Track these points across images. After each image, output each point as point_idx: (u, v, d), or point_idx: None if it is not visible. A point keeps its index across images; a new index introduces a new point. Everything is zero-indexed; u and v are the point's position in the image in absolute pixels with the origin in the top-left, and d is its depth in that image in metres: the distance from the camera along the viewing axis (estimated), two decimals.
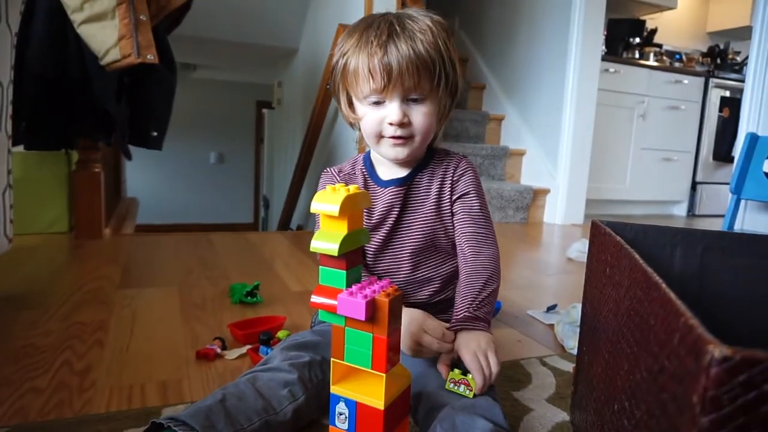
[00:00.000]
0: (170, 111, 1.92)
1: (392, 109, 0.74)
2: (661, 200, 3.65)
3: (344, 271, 0.57)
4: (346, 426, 0.59)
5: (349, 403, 0.59)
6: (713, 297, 0.68)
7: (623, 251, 0.53)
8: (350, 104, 0.79)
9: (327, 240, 0.56)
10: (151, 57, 1.65)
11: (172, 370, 0.88)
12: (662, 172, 3.55)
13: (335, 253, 0.55)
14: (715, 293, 0.68)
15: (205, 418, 0.59)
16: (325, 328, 0.81)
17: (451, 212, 0.82)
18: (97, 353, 0.94)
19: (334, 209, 0.55)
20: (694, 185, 3.69)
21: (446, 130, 3.25)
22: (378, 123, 0.75)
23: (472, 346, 0.70)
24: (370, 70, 0.71)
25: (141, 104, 1.89)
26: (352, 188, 0.57)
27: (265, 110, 5.96)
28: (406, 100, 0.74)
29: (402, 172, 0.82)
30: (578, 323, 1.07)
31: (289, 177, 3.54)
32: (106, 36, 1.61)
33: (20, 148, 1.79)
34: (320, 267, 0.58)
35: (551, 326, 1.17)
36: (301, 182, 3.34)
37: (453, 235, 0.83)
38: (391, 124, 0.74)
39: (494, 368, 0.69)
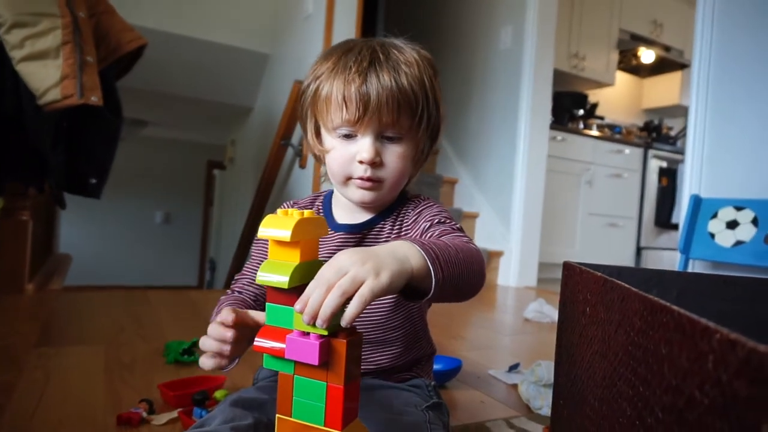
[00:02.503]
0: (112, 158, 1.81)
1: (364, 145, 0.65)
2: (609, 264, 3.73)
3: None
4: None
5: None
6: None
7: (608, 284, 0.48)
8: (317, 134, 0.71)
9: (275, 271, 0.49)
10: (95, 99, 1.57)
11: None
12: (609, 237, 3.65)
13: (285, 286, 0.48)
14: None
15: None
16: (273, 384, 0.70)
17: None
18: None
19: (285, 234, 0.48)
20: (638, 250, 3.81)
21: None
22: (347, 160, 0.66)
23: (339, 258, 0.48)
24: (345, 98, 0.63)
25: (80, 150, 1.77)
26: (307, 212, 0.51)
27: (216, 171, 5.85)
28: (381, 137, 0.66)
29: (361, 218, 0.73)
30: (543, 382, 1.01)
31: (238, 238, 3.41)
32: (47, 75, 1.52)
33: None
34: (267, 304, 0.50)
35: (514, 386, 1.10)
36: (250, 238, 3.21)
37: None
38: (361, 162, 0.66)
39: (331, 299, 0.45)
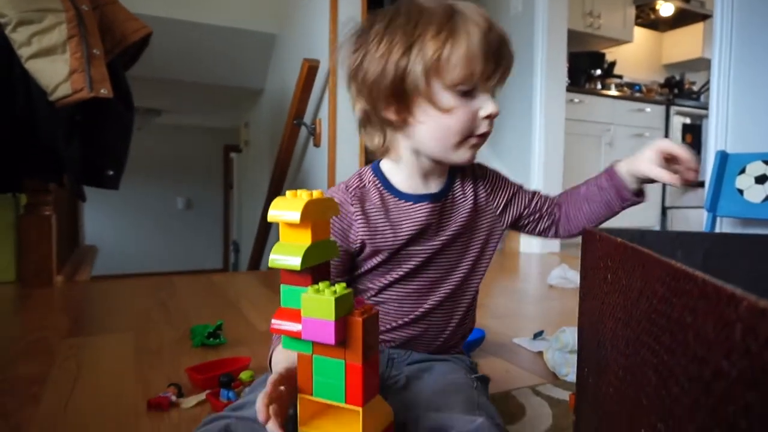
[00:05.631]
0: (127, 149, 1.82)
1: (487, 100, 0.64)
2: (633, 226, 3.67)
3: (309, 289, 0.49)
4: None
5: None
6: None
7: (629, 251, 0.46)
8: (403, 103, 0.64)
9: (287, 253, 0.48)
10: (105, 91, 1.57)
11: (116, 426, 0.76)
12: None
13: (297, 267, 0.47)
14: None
15: None
16: None
17: (503, 223, 0.76)
18: (30, 411, 0.81)
19: (295, 216, 0.47)
20: (664, 210, 3.73)
21: None
22: (470, 117, 0.64)
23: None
24: (474, 53, 0.61)
25: (96, 143, 1.79)
26: (315, 193, 0.50)
27: (233, 154, 5.88)
28: None
29: (435, 185, 0.71)
30: (569, 348, 1.00)
31: (258, 219, 3.43)
32: (56, 70, 1.53)
33: None
34: (281, 286, 0.50)
35: (540, 354, 1.09)
36: (270, 223, 3.24)
37: (486, 255, 0.75)
38: (488, 117, 0.64)
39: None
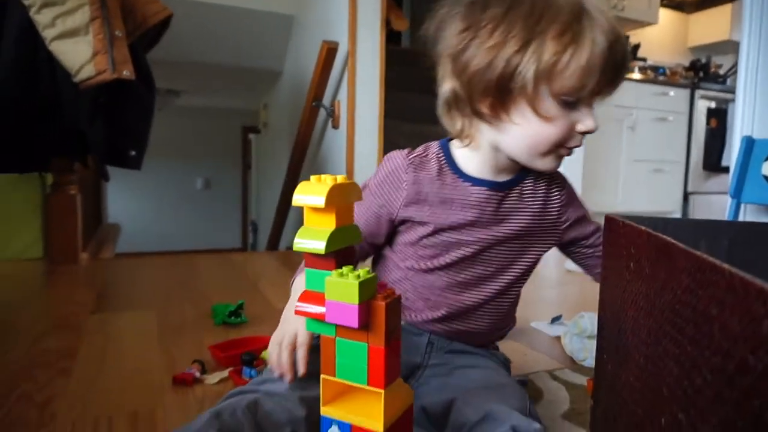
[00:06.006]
0: (149, 129, 1.85)
1: (589, 115, 0.61)
2: (654, 211, 3.62)
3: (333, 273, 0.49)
4: None
5: (342, 426, 0.51)
6: None
7: (653, 239, 0.46)
8: (502, 100, 0.61)
9: (312, 237, 0.49)
10: (127, 73, 1.59)
11: (144, 399, 0.79)
12: (654, 184, 3.52)
13: (322, 252, 0.48)
14: None
15: None
16: None
17: (560, 238, 0.74)
18: (61, 383, 0.84)
19: (320, 201, 0.48)
20: (685, 195, 3.67)
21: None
22: (567, 129, 0.62)
23: None
24: (592, 64, 0.57)
25: (118, 124, 1.81)
26: (339, 178, 0.50)
27: (251, 135, 5.91)
28: None
29: (503, 176, 0.69)
30: (587, 333, 1.00)
31: (276, 200, 3.46)
32: (80, 52, 1.55)
33: None
34: (305, 269, 0.51)
35: (558, 339, 1.09)
36: (288, 204, 3.26)
37: (536, 261, 0.74)
38: (585, 132, 0.62)
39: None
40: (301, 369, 0.58)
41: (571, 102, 0.60)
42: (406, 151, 0.69)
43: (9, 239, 1.83)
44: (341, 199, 0.50)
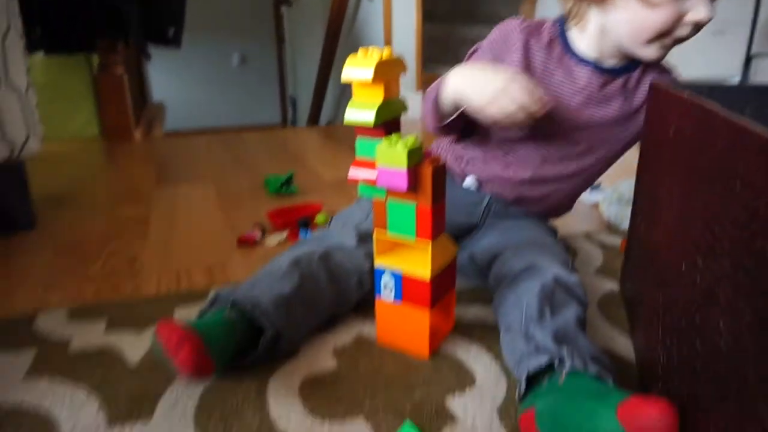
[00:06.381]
0: (184, 6, 1.82)
1: (703, 3, 0.59)
2: (712, 77, 3.40)
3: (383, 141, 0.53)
4: (392, 297, 0.59)
5: (394, 275, 0.58)
6: None
7: (695, 106, 0.48)
8: None
9: (362, 109, 0.52)
10: None
11: (215, 255, 0.89)
12: (714, 46, 3.26)
13: (371, 125, 0.52)
14: None
15: (287, 313, 0.57)
16: None
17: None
18: (142, 244, 0.95)
19: (368, 74, 0.50)
20: (748, 59, 3.41)
21: (473, 12, 3.03)
22: (674, 19, 0.61)
23: None
24: None
25: (154, 2, 1.79)
26: (386, 53, 0.52)
27: (283, 8, 5.65)
28: None
29: (611, 62, 0.69)
30: (625, 199, 1.03)
31: (314, 75, 3.42)
32: None
33: (41, 56, 1.76)
34: (357, 138, 0.55)
35: (596, 206, 1.13)
36: (327, 76, 3.22)
37: (623, 151, 0.75)
38: (698, 23, 0.61)
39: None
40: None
41: None
42: (522, 18, 0.71)
43: (66, 119, 1.92)
44: (388, 72, 0.52)
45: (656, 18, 0.61)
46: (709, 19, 0.60)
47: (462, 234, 0.77)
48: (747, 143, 0.33)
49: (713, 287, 0.35)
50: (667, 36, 0.63)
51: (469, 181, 0.75)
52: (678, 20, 0.61)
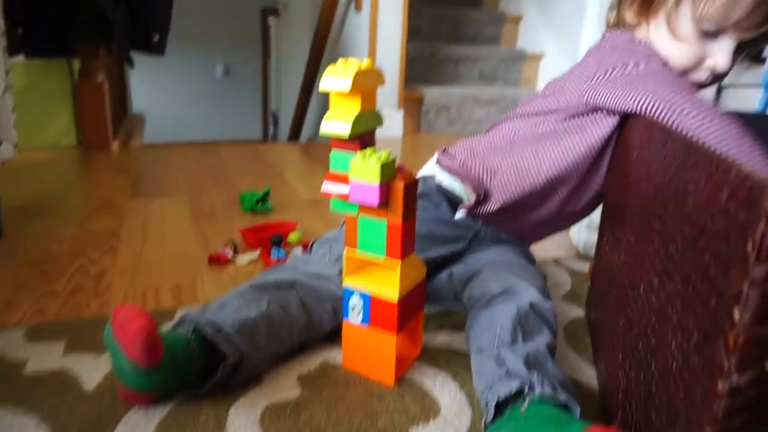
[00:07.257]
0: (170, 13, 1.82)
1: (725, 53, 0.60)
2: None
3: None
4: (359, 319, 0.59)
5: (362, 296, 0.58)
6: None
7: (655, 128, 0.49)
8: (646, 8, 0.63)
9: (338, 120, 0.52)
10: None
11: (185, 274, 0.88)
12: None
13: (346, 136, 0.52)
14: None
15: (250, 338, 0.55)
16: None
17: None
18: (111, 259, 0.94)
19: (346, 84, 0.50)
20: (719, 89, 3.52)
21: (460, 32, 3.08)
22: (696, 60, 0.61)
23: None
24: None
25: (140, 6, 1.79)
26: (365, 62, 0.52)
27: (271, 19, 5.68)
28: None
29: None
30: (595, 225, 1.05)
31: (297, 92, 3.43)
32: None
33: (21, 60, 1.73)
34: (332, 151, 0.55)
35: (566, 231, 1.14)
36: (309, 93, 3.23)
37: None
38: (716, 72, 0.62)
39: None
40: None
41: (710, 32, 0.59)
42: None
43: (44, 126, 1.89)
44: (366, 83, 0.52)
45: (677, 52, 0.62)
46: (727, 70, 0.61)
47: (446, 263, 0.75)
48: (696, 161, 0.34)
49: (666, 306, 0.35)
50: (691, 76, 0.63)
51: (461, 214, 0.74)
52: (699, 62, 0.62)
